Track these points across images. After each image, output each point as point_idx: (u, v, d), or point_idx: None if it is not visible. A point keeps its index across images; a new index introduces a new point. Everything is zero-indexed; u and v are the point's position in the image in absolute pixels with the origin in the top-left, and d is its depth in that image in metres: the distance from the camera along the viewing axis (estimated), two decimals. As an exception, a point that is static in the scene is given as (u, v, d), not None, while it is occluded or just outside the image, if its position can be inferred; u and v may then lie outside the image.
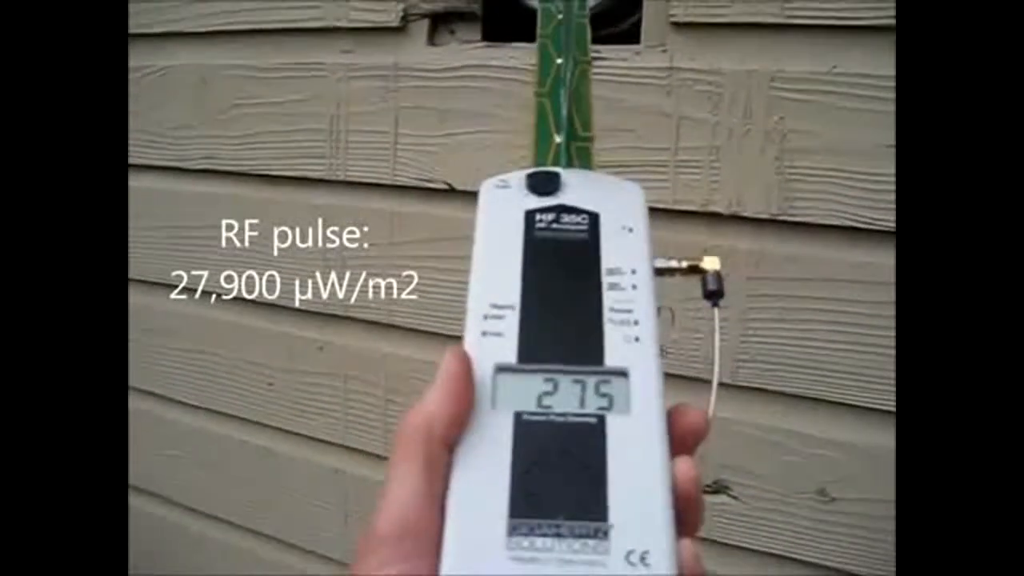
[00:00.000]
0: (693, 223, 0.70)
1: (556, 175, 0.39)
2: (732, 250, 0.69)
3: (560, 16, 0.46)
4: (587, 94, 0.43)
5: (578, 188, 0.39)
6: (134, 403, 1.03)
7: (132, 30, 0.94)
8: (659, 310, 0.35)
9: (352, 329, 0.87)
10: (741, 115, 0.67)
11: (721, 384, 0.71)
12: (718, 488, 0.73)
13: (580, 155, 0.41)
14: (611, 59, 0.71)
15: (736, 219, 0.69)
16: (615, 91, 0.71)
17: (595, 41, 0.71)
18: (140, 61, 0.95)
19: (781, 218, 0.67)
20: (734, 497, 0.72)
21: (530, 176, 0.39)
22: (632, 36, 0.72)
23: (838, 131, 0.65)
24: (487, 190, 0.39)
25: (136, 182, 0.98)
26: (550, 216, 0.37)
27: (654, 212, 0.69)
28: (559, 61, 0.44)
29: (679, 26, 0.69)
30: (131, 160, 0.97)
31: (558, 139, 0.41)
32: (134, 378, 1.02)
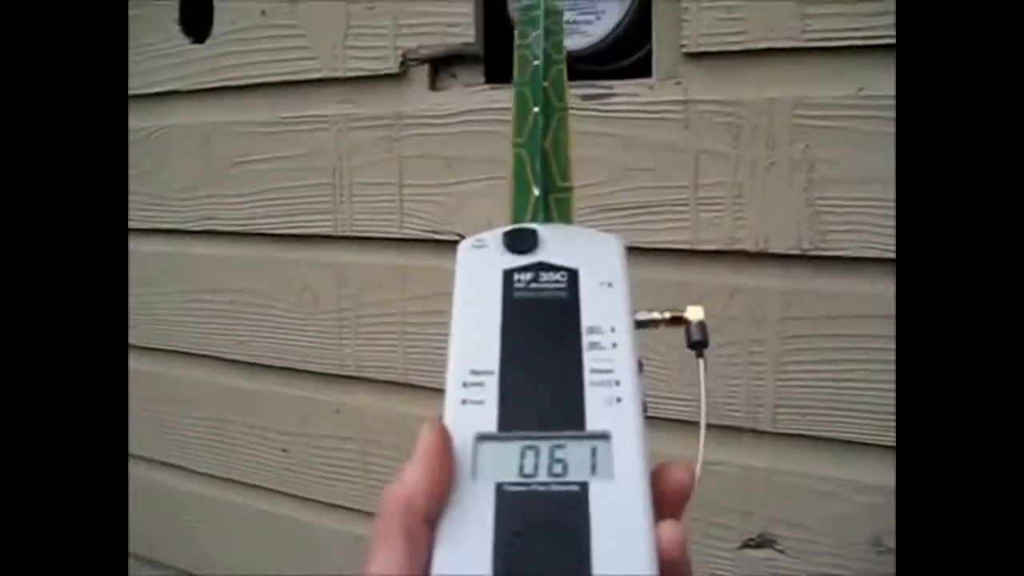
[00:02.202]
0: (718, 263, 0.66)
1: (533, 232, 0.38)
2: (762, 290, 0.65)
3: (537, 62, 0.45)
4: (565, 143, 0.43)
5: (556, 244, 0.38)
6: (146, 473, 1.01)
7: (132, 91, 0.93)
8: (641, 366, 0.34)
9: (368, 390, 0.83)
10: (764, 146, 0.64)
11: (761, 432, 0.66)
12: (763, 542, 0.68)
13: (559, 207, 0.41)
14: (623, 95, 0.68)
15: (764, 256, 0.65)
16: (629, 128, 0.68)
17: (606, 76, 0.69)
18: (140, 122, 0.93)
19: (812, 253, 0.63)
20: (781, 551, 0.67)
21: (507, 234, 0.38)
22: (643, 69, 0.69)
23: (869, 157, 0.61)
24: (464, 250, 0.39)
25: (143, 246, 0.95)
26: (528, 275, 0.37)
27: (676, 254, 0.67)
28: (536, 110, 0.43)
29: (692, 56, 0.65)
30: (136, 224, 0.95)
31: (536, 192, 0.41)
32: (144, 448, 1.00)
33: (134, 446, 1.01)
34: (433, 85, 0.77)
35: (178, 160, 0.91)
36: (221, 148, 0.88)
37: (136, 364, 0.98)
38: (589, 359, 0.34)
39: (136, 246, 0.95)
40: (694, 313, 0.39)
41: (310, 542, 0.90)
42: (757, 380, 0.66)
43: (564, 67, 0.45)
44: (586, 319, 0.35)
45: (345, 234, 0.82)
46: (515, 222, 0.40)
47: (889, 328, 0.61)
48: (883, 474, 0.63)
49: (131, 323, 0.98)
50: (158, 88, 0.91)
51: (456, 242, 0.76)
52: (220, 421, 0.94)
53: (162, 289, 0.95)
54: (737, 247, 0.65)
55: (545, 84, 0.44)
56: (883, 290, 0.61)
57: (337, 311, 0.83)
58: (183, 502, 0.99)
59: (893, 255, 0.60)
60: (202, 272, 0.92)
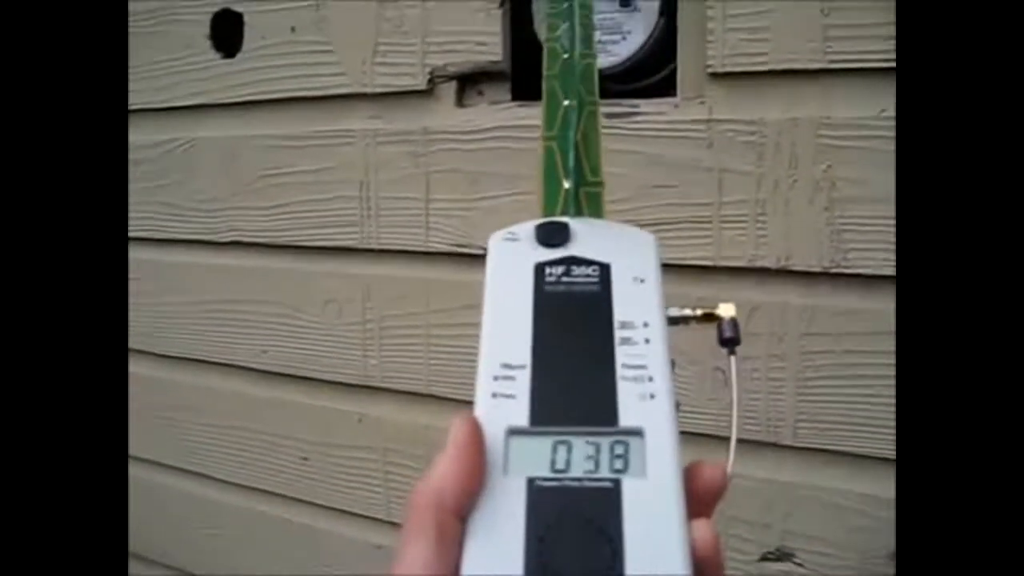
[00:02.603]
0: (741, 280, 0.67)
1: (565, 225, 0.38)
2: (784, 306, 0.66)
3: (566, 56, 0.44)
4: (596, 137, 0.42)
5: (588, 238, 0.38)
6: (167, 480, 1.02)
7: (159, 104, 0.94)
8: (673, 363, 0.34)
9: (391, 400, 0.84)
10: (787, 165, 0.65)
11: (782, 446, 0.67)
12: (781, 555, 0.69)
13: (590, 201, 0.40)
14: (648, 113, 0.69)
15: (786, 273, 0.66)
16: (653, 146, 0.69)
17: (631, 94, 0.70)
18: (167, 135, 0.95)
19: (834, 271, 0.64)
20: (799, 564, 0.68)
21: (539, 227, 0.38)
22: (668, 88, 0.70)
23: (890, 177, 0.62)
24: (495, 243, 0.38)
25: (169, 256, 0.97)
26: (560, 269, 0.36)
27: (699, 270, 0.68)
28: (567, 103, 0.42)
29: (717, 76, 0.67)
30: (164, 235, 0.97)
31: (567, 185, 0.40)
32: (166, 455, 1.01)
33: (155, 452, 1.02)
34: (460, 102, 0.78)
35: (206, 172, 0.92)
36: (248, 161, 0.89)
37: (162, 372, 1.00)
38: (621, 354, 0.33)
39: (164, 256, 0.97)
40: (726, 310, 0.39)
41: (330, 550, 0.91)
42: (778, 395, 0.67)
43: (595, 61, 0.45)
44: (618, 314, 0.35)
45: (371, 247, 0.83)
46: (545, 216, 0.40)
47: (909, 345, 0.62)
48: (902, 489, 0.64)
49: (158, 332, 0.99)
50: (187, 102, 0.92)
51: (482, 256, 0.78)
52: (242, 429, 0.95)
53: (188, 299, 0.97)
54: (759, 264, 0.66)
55: (575, 77, 0.43)
56: (903, 308, 0.62)
57: (362, 323, 0.84)
58: (203, 509, 1.00)
59: (913, 273, 0.62)
60: (228, 283, 0.93)
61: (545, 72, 0.44)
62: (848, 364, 0.65)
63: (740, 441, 0.67)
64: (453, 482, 0.29)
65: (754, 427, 0.68)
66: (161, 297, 0.98)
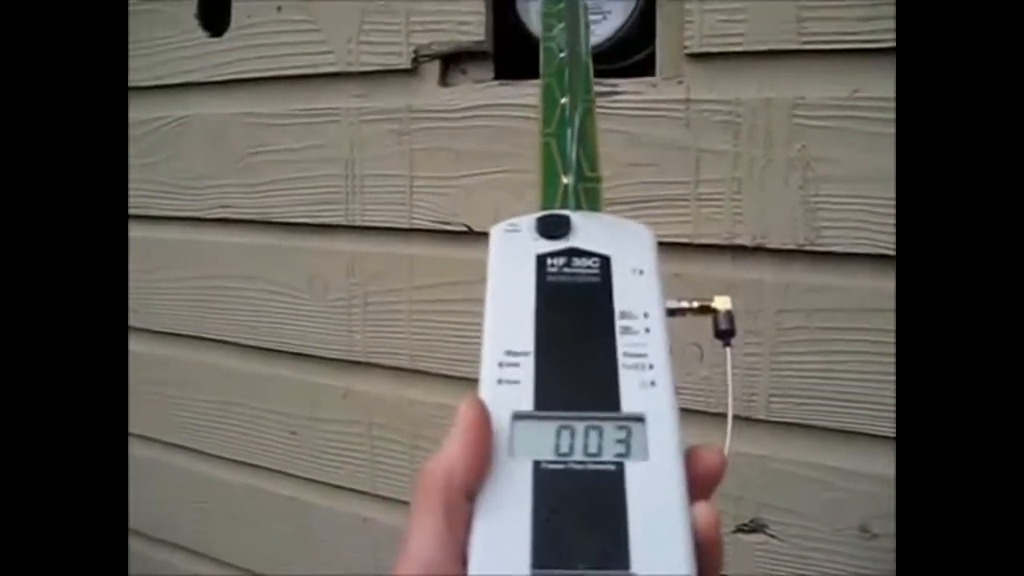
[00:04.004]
0: (717, 257, 0.68)
1: (566, 218, 0.39)
2: (759, 283, 0.67)
3: (563, 54, 0.45)
4: (593, 133, 0.43)
5: (588, 231, 0.39)
6: (158, 454, 1.03)
7: (147, 82, 0.95)
8: (671, 351, 0.35)
9: (375, 375, 0.86)
10: (762, 145, 0.66)
11: (756, 420, 0.69)
12: (756, 526, 0.70)
13: (588, 196, 0.41)
14: (627, 93, 0.70)
15: (761, 251, 0.67)
16: (632, 125, 0.70)
17: (611, 74, 0.71)
18: (156, 112, 0.95)
19: (808, 248, 0.65)
20: (772, 535, 0.70)
21: (540, 220, 0.39)
22: (647, 68, 0.71)
23: (863, 157, 0.63)
24: (497, 234, 0.39)
25: (158, 233, 0.98)
26: (561, 260, 0.37)
27: (677, 247, 0.69)
28: (563, 100, 0.44)
29: (695, 56, 0.68)
30: (153, 212, 0.98)
31: (566, 180, 0.41)
32: (156, 430, 1.02)
33: (145, 427, 1.03)
34: (443, 81, 0.79)
35: (194, 150, 0.93)
36: (236, 139, 0.90)
37: (149, 348, 1.01)
38: (622, 343, 0.34)
39: (151, 233, 0.98)
40: (722, 303, 0.40)
41: (317, 523, 0.92)
42: (753, 370, 0.68)
43: (590, 59, 0.46)
44: (619, 304, 0.36)
45: (356, 224, 0.84)
46: (545, 209, 0.40)
47: (880, 321, 0.64)
48: (871, 462, 0.65)
49: (146, 308, 1.00)
50: (176, 80, 0.93)
51: (464, 233, 0.79)
52: (230, 404, 0.96)
53: (177, 275, 0.98)
54: (735, 242, 0.68)
55: (571, 75, 0.44)
56: (875, 285, 0.64)
57: (347, 299, 0.86)
58: (192, 482, 1.01)
59: (884, 251, 0.63)
60: (215, 259, 0.94)
61: (542, 70, 0.45)
62: (821, 340, 0.66)
63: (715, 415, 0.69)
64: (462, 463, 0.30)
65: (728, 401, 0.69)
66: (150, 273, 0.99)
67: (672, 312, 0.38)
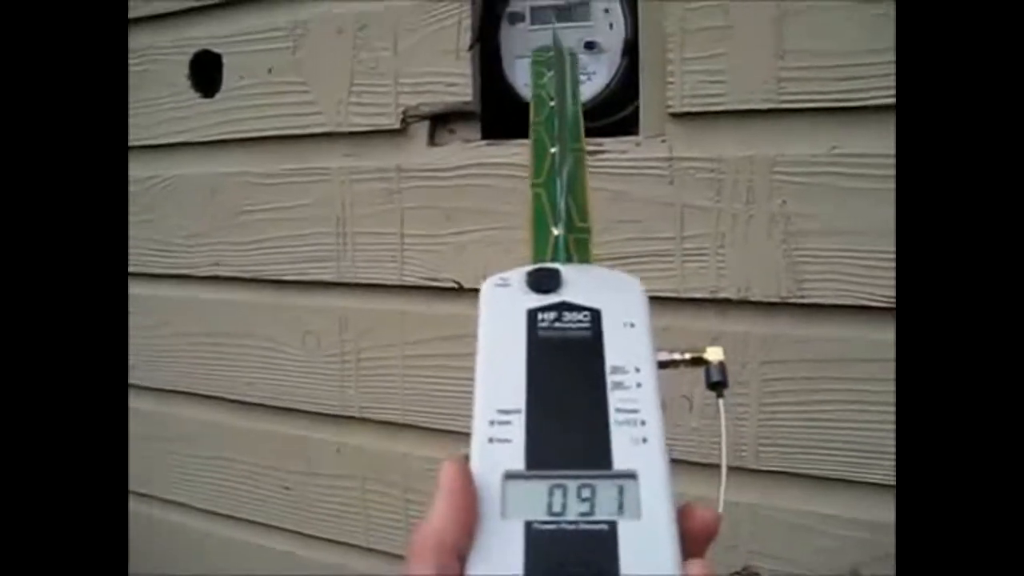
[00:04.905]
0: (703, 310, 0.70)
1: (556, 272, 0.39)
2: (745, 336, 0.69)
3: (552, 103, 0.45)
4: (583, 183, 0.43)
5: (579, 284, 0.38)
6: (154, 511, 1.03)
7: (142, 141, 0.97)
8: (664, 405, 0.34)
9: (369, 430, 0.86)
10: (744, 201, 0.68)
11: (745, 469, 0.70)
12: (747, 574, 0.71)
13: (578, 247, 0.41)
14: (612, 151, 0.72)
15: (746, 304, 0.69)
16: (618, 183, 0.71)
17: (596, 133, 0.73)
18: (150, 171, 0.97)
19: (791, 301, 0.67)
20: (765, 584, 0.70)
21: (530, 273, 0.39)
22: (631, 126, 0.73)
23: (842, 211, 0.65)
24: (488, 289, 0.39)
25: (153, 291, 0.99)
26: (552, 315, 0.37)
27: (663, 301, 0.71)
28: (553, 150, 0.43)
29: (677, 116, 0.70)
30: (147, 269, 0.98)
31: (556, 232, 0.41)
32: (153, 487, 1.02)
33: (141, 483, 1.03)
34: (432, 140, 0.81)
35: (187, 209, 0.95)
36: (228, 197, 0.91)
37: (143, 404, 1.01)
38: (614, 399, 0.34)
39: (146, 290, 0.98)
40: (714, 354, 0.40)
41: (312, 578, 0.92)
42: (741, 420, 0.69)
43: (579, 107, 0.46)
44: (610, 359, 0.35)
45: (347, 280, 0.85)
46: (536, 262, 0.40)
47: (862, 371, 0.65)
48: (860, 508, 0.66)
49: (142, 364, 1.01)
50: (169, 140, 0.95)
51: (454, 289, 0.80)
52: (225, 459, 0.97)
53: (172, 331, 0.98)
54: (721, 295, 0.69)
55: (561, 124, 0.44)
56: (857, 335, 0.65)
57: (339, 354, 0.87)
58: (188, 537, 1.01)
59: (866, 302, 0.64)
60: (209, 316, 0.95)
61: (532, 119, 0.45)
62: (807, 390, 0.67)
63: (705, 466, 0.70)
64: (451, 523, 0.30)
65: (719, 451, 0.70)
66: (147, 330, 1.00)
67: (664, 364, 0.38)
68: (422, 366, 0.82)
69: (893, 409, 0.64)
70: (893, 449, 0.64)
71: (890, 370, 0.64)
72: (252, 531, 0.95)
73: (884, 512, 0.66)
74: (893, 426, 0.64)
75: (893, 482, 0.65)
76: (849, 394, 0.66)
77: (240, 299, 0.92)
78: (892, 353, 0.63)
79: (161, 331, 0.99)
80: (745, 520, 0.70)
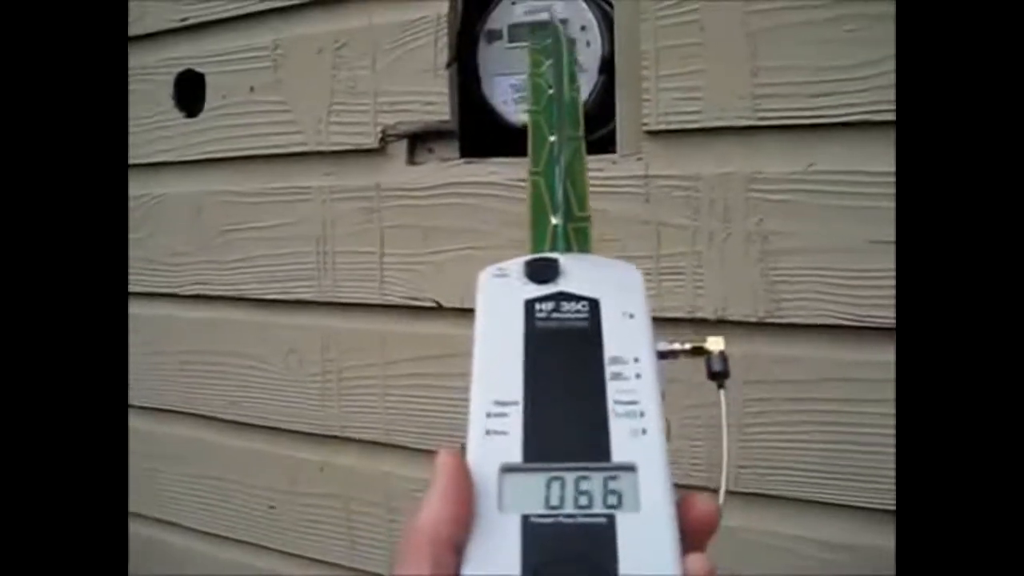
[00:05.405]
0: (680, 330, 0.69)
1: (554, 261, 0.38)
2: (722, 355, 0.68)
3: (551, 91, 0.44)
4: (582, 172, 0.43)
5: (577, 273, 0.38)
6: (140, 529, 1.03)
7: (132, 160, 0.97)
8: (663, 396, 0.34)
9: (351, 449, 0.86)
10: (721, 219, 0.67)
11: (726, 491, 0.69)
12: (731, 585, 0.70)
13: (578, 236, 0.41)
14: (589, 169, 0.71)
15: (724, 323, 0.68)
16: (594, 201, 0.69)
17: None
18: (136, 190, 0.97)
19: (769, 320, 0.66)
20: (745, 606, 0.69)
21: (528, 263, 0.38)
22: (607, 145, 0.73)
23: (819, 229, 0.64)
24: (486, 279, 0.38)
25: (139, 309, 0.99)
26: (550, 305, 0.37)
27: (649, 297, 0.70)
28: (552, 138, 0.43)
29: (653, 134, 0.69)
30: (133, 288, 0.99)
31: (555, 221, 0.41)
32: (138, 505, 1.02)
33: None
34: (411, 159, 0.80)
35: (171, 227, 0.95)
36: (212, 216, 0.91)
37: (132, 422, 1.01)
38: (613, 390, 0.33)
39: (133, 309, 0.98)
40: (714, 344, 0.40)
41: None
42: (719, 441, 0.68)
43: (578, 95, 0.45)
44: (609, 349, 0.35)
45: (329, 300, 0.85)
46: (534, 251, 0.40)
47: (841, 391, 0.64)
48: (840, 531, 0.65)
49: (130, 383, 1.01)
50: (153, 159, 0.95)
51: (433, 309, 0.80)
52: (210, 478, 0.96)
53: (155, 350, 0.98)
54: (698, 315, 0.68)
55: (560, 112, 0.43)
56: (835, 355, 0.64)
57: (321, 373, 0.86)
58: (170, 557, 1.01)
59: (844, 322, 0.63)
60: (193, 335, 0.95)
61: (530, 107, 0.45)
62: (785, 411, 0.67)
63: (685, 486, 0.69)
64: (445, 514, 0.30)
65: (698, 473, 0.69)
66: (132, 349, 1.00)
67: (664, 355, 0.37)
68: (404, 385, 0.82)
69: (870, 430, 0.63)
70: (872, 471, 0.64)
71: (870, 390, 0.63)
72: (237, 549, 0.95)
73: (864, 535, 0.65)
74: (870, 447, 0.63)
75: (869, 505, 0.64)
76: (827, 415, 0.65)
77: (223, 317, 0.92)
78: (871, 374, 0.62)
79: (147, 349, 0.99)
80: (724, 542, 0.68)
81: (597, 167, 0.71)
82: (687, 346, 0.39)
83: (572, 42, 0.48)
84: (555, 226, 0.41)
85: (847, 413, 0.64)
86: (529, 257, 0.39)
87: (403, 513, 0.83)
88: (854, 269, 0.63)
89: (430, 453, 0.80)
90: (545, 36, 0.47)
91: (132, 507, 1.03)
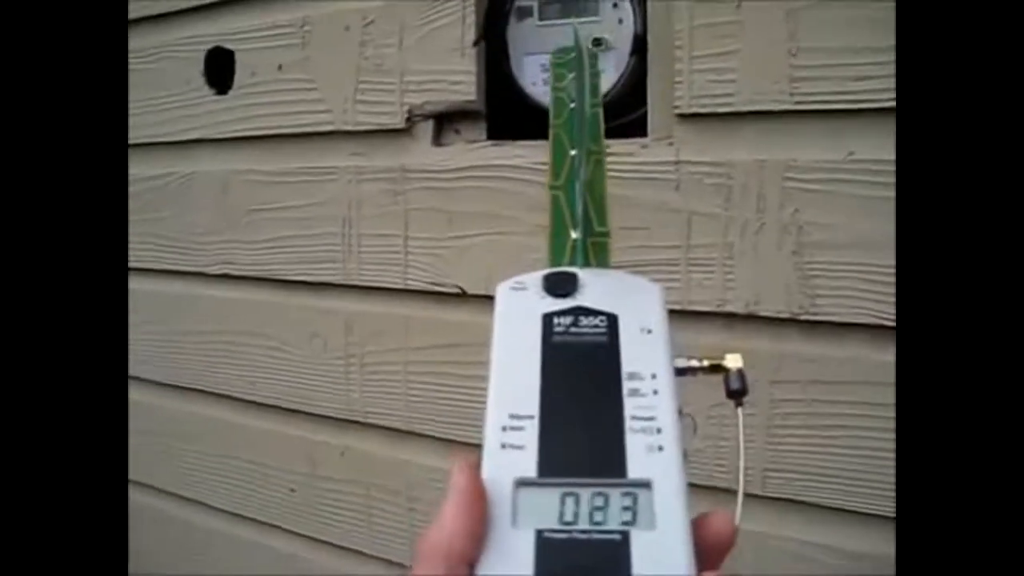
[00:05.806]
0: (709, 324, 0.66)
1: (573, 276, 0.38)
2: (752, 352, 0.64)
3: (573, 105, 0.44)
4: (603, 187, 0.43)
5: (596, 288, 0.38)
6: (162, 505, 1.03)
7: (157, 138, 0.96)
8: (681, 413, 0.34)
9: (373, 435, 0.85)
10: (754, 208, 0.63)
11: (751, 495, 0.66)
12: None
13: (597, 251, 0.41)
14: (618, 154, 0.68)
15: (754, 319, 0.64)
16: (623, 187, 0.68)
17: (604, 134, 0.70)
18: (165, 168, 0.97)
19: (802, 317, 0.63)
20: (770, 614, 0.66)
21: (546, 277, 0.38)
22: (640, 128, 0.69)
23: (859, 222, 0.60)
24: (503, 293, 0.38)
25: (165, 287, 0.99)
26: (568, 320, 0.37)
27: (668, 313, 0.67)
28: (573, 153, 0.43)
29: (684, 117, 0.66)
30: (160, 266, 0.98)
31: (575, 235, 0.41)
32: (158, 479, 1.02)
33: (143, 475, 1.04)
34: (437, 140, 0.78)
35: (199, 206, 0.94)
36: (238, 196, 0.90)
37: (152, 398, 1.02)
38: (630, 406, 0.33)
39: (158, 287, 0.98)
40: (733, 361, 0.39)
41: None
42: (747, 443, 0.65)
43: (600, 110, 0.45)
44: (626, 365, 0.35)
45: (353, 283, 0.83)
46: (553, 265, 0.40)
47: (878, 395, 0.61)
48: (868, 541, 0.62)
49: (150, 360, 1.01)
50: (183, 136, 0.94)
51: (458, 295, 0.78)
52: (231, 458, 0.96)
53: (182, 328, 0.98)
54: (727, 309, 0.65)
55: (581, 126, 0.43)
56: (872, 356, 0.61)
57: (344, 357, 0.85)
58: (190, 532, 1.02)
59: (883, 322, 0.60)
60: (218, 314, 0.94)
61: (552, 121, 0.45)
62: (817, 413, 0.63)
63: (709, 488, 0.66)
64: (459, 529, 0.30)
65: (724, 475, 0.66)
66: (157, 326, 1.00)
67: (681, 372, 0.37)
68: (425, 372, 0.80)
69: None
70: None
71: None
72: (258, 530, 0.95)
73: (892, 546, 0.61)
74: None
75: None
76: (862, 419, 0.61)
77: (249, 298, 0.91)
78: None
79: (173, 327, 0.99)
80: (748, 548, 0.66)
81: (627, 151, 0.68)
82: (705, 363, 0.38)
83: (594, 54, 0.47)
84: (574, 240, 0.40)
85: (883, 419, 0.61)
86: (548, 271, 0.39)
87: (423, 503, 0.82)
88: (895, 266, 0.59)
89: (450, 443, 0.79)
90: (568, 49, 0.47)
91: (147, 480, 1.04)
